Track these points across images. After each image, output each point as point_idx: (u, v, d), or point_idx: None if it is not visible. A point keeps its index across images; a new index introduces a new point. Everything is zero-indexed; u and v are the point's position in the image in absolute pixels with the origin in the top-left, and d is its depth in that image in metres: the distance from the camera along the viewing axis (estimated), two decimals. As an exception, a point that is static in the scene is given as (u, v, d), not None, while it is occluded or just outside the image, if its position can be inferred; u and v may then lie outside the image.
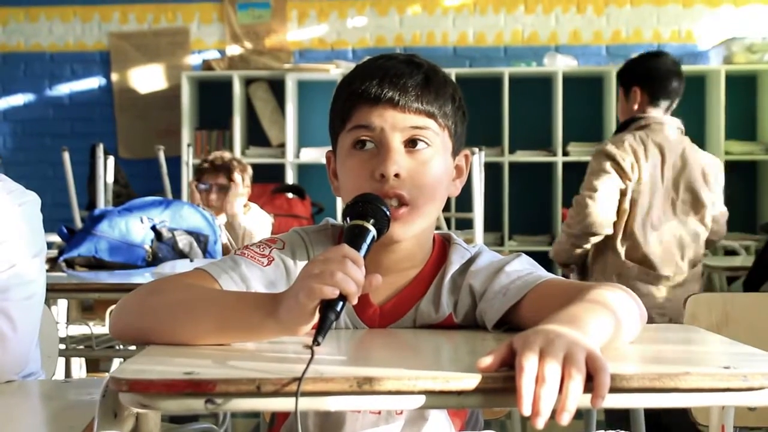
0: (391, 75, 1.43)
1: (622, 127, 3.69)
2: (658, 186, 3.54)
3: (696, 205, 3.59)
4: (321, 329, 1.18)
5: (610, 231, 3.52)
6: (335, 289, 1.17)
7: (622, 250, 3.54)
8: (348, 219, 1.35)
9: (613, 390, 1.04)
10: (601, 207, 3.47)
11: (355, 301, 1.20)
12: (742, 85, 6.70)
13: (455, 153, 1.51)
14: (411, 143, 1.44)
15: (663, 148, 3.56)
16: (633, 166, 3.50)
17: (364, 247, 1.30)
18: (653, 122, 3.59)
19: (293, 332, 1.23)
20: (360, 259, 1.22)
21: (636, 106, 3.65)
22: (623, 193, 3.51)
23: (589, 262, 3.69)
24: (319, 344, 1.16)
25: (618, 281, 3.44)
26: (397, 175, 1.41)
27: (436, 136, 1.45)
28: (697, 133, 6.76)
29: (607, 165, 3.49)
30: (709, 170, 3.62)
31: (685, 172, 3.57)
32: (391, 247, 1.45)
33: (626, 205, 3.51)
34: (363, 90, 1.43)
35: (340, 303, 1.19)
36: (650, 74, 3.66)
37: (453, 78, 6.11)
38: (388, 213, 1.37)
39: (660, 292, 3.53)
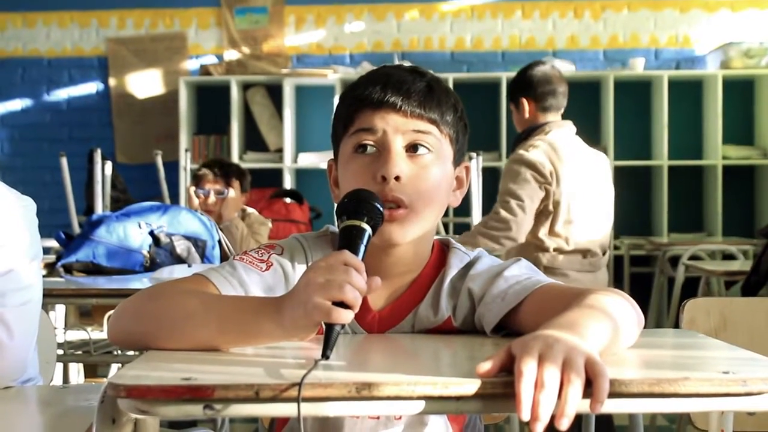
0: (394, 81, 1.44)
1: (526, 135, 3.81)
2: (576, 183, 3.71)
3: (602, 197, 3.83)
4: (328, 343, 1.19)
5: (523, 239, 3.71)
6: (348, 313, 1.19)
7: (550, 245, 3.69)
8: (342, 218, 1.35)
9: (612, 395, 1.04)
10: (529, 219, 3.65)
11: (357, 310, 1.21)
12: (739, 90, 6.71)
13: (456, 163, 1.51)
14: (412, 148, 1.44)
15: (569, 148, 3.75)
16: (551, 170, 3.65)
17: (362, 249, 1.30)
18: (554, 126, 3.76)
19: (297, 339, 1.26)
20: (362, 267, 1.23)
21: (527, 115, 3.81)
22: (546, 197, 3.67)
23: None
24: (328, 357, 1.18)
25: (546, 273, 3.56)
26: (397, 178, 1.41)
27: (438, 142, 1.45)
28: (694, 137, 6.78)
29: (528, 174, 3.64)
30: (604, 164, 3.89)
31: (589, 167, 3.79)
32: (388, 251, 1.45)
33: (551, 207, 3.67)
34: (366, 95, 1.44)
35: None
36: (530, 83, 3.81)
37: (451, 83, 6.13)
38: (381, 208, 1.37)
39: (587, 277, 3.73)
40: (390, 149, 1.42)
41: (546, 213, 3.69)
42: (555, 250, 3.70)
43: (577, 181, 3.72)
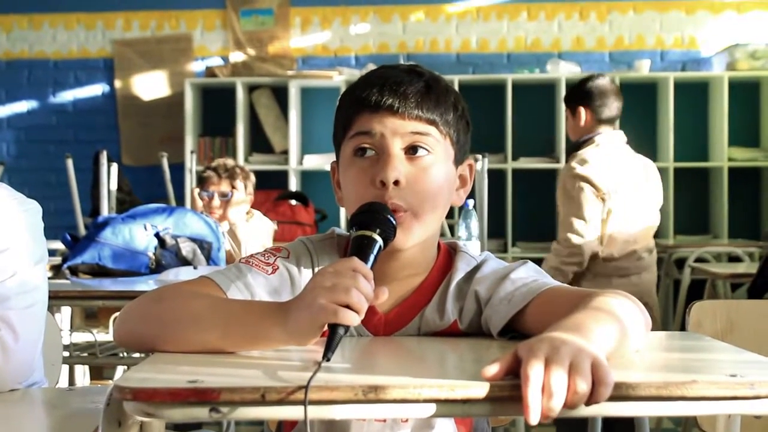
0: (391, 83, 1.44)
1: (578, 145, 4.00)
2: (624, 189, 3.87)
3: (645, 200, 3.98)
4: (331, 345, 1.19)
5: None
6: (353, 315, 1.19)
7: (604, 252, 3.85)
8: (354, 228, 1.35)
9: (620, 398, 1.04)
10: (592, 237, 3.82)
11: (362, 316, 1.21)
12: (745, 92, 6.69)
13: (458, 162, 1.51)
14: (411, 150, 1.43)
15: (617, 156, 3.93)
16: (604, 180, 3.83)
17: (372, 258, 1.31)
18: (604, 137, 3.94)
19: (301, 343, 1.25)
20: (370, 274, 1.23)
21: (582, 123, 3.98)
22: (602, 207, 3.85)
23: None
24: (329, 360, 1.17)
25: (596, 279, 3.85)
26: (397, 183, 1.41)
27: (437, 143, 1.45)
28: (700, 139, 6.77)
29: (586, 189, 3.82)
30: (650, 170, 4.05)
31: (636, 173, 3.96)
32: (394, 255, 1.45)
33: (604, 215, 3.85)
34: (364, 98, 1.44)
35: None
36: (590, 93, 3.98)
37: (456, 84, 6.13)
38: (394, 222, 1.37)
39: (631, 280, 3.87)
40: (388, 152, 1.42)
41: (601, 222, 3.85)
42: (606, 256, 3.85)
43: (625, 188, 3.88)
